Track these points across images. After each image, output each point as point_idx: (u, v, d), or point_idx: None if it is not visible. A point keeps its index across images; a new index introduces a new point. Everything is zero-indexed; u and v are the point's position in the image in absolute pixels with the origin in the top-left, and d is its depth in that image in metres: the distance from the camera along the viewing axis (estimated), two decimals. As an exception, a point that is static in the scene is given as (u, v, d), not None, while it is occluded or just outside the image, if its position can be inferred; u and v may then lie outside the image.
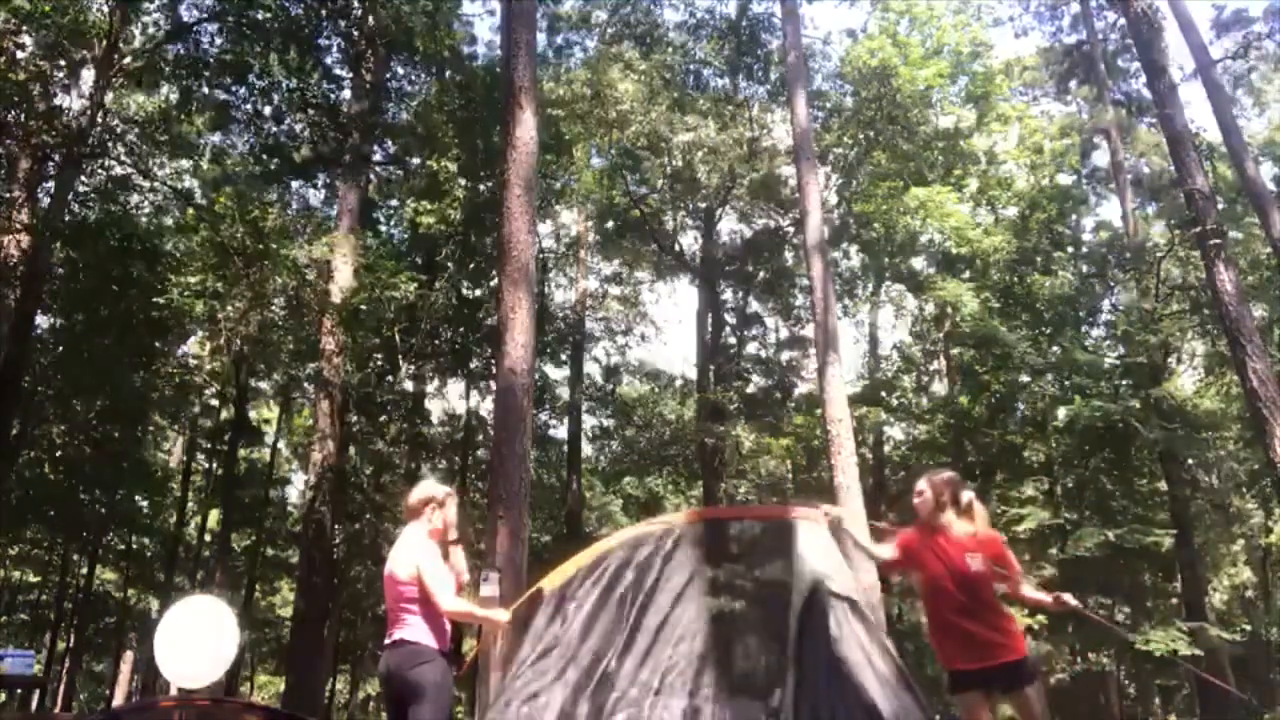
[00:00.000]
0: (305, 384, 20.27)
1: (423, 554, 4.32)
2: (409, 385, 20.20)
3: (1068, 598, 4.36)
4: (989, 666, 4.11)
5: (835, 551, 4.86)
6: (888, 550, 4.58)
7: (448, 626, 4.36)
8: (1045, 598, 4.42)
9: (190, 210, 15.30)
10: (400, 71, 17.76)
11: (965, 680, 4.18)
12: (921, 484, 4.49)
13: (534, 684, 4.38)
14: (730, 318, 23.64)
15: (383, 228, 20.80)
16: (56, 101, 13.95)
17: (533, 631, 4.60)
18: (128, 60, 14.10)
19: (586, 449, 25.34)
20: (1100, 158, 23.21)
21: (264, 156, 16.27)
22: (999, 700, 4.39)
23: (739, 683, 4.38)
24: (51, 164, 13.78)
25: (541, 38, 19.98)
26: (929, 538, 4.40)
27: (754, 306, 23.86)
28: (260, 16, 13.95)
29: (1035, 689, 4.24)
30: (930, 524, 4.42)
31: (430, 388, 22.04)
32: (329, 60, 16.01)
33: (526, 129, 9.84)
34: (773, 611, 4.60)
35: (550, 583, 4.72)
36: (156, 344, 17.44)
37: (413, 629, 4.24)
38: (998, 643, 4.13)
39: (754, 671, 4.46)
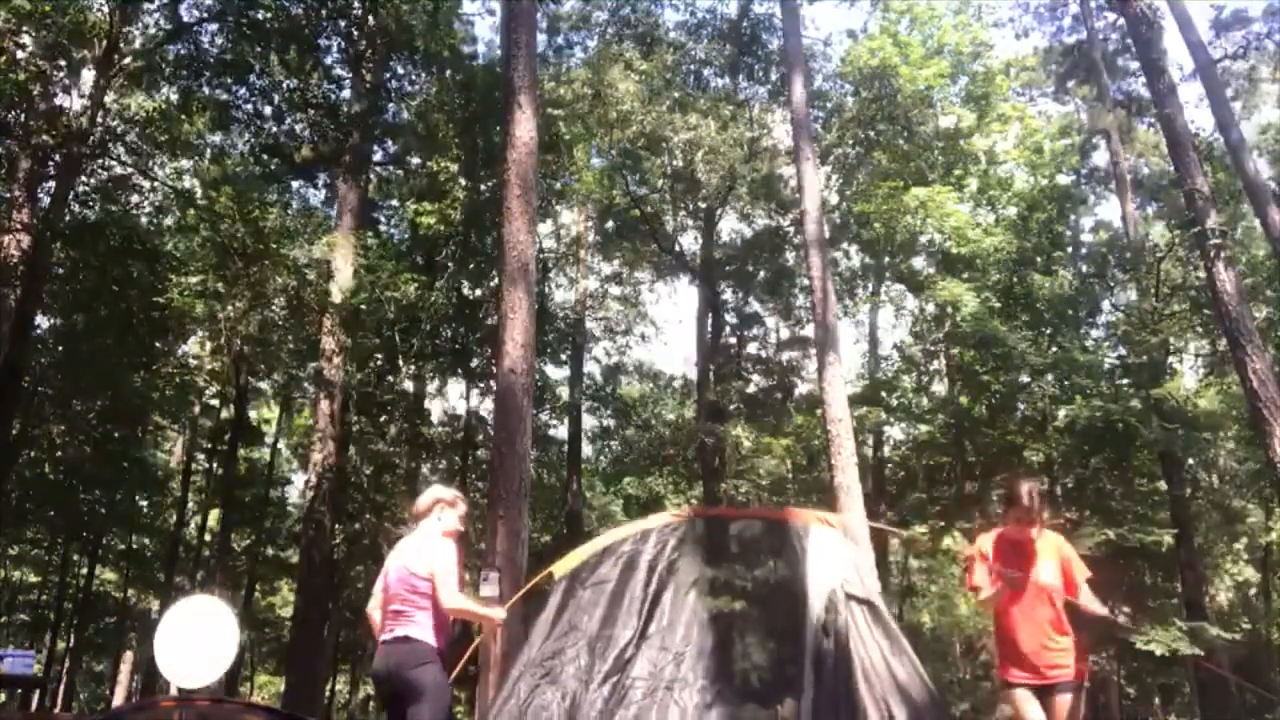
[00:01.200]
0: (305, 384, 20.26)
1: (441, 550, 4.31)
2: (409, 385, 20.21)
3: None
4: (1035, 684, 4.12)
5: (849, 555, 4.85)
6: (982, 576, 4.36)
7: (449, 626, 4.35)
8: (1100, 610, 4.21)
9: (191, 210, 15.29)
10: (400, 71, 17.76)
11: (1013, 683, 4.20)
12: (1025, 496, 4.18)
13: (548, 662, 4.38)
14: (730, 318, 23.63)
15: (383, 228, 20.81)
16: (56, 101, 13.94)
17: (546, 612, 4.61)
18: (128, 60, 14.10)
19: (586, 449, 25.36)
20: (1100, 158, 23.21)
21: (264, 156, 16.27)
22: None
23: (747, 686, 4.38)
24: (51, 164, 13.77)
25: (541, 38, 19.97)
26: (1009, 548, 4.28)
27: (754, 306, 23.84)
28: (260, 16, 13.95)
29: (1073, 699, 4.15)
30: (1014, 535, 4.27)
31: (430, 388, 22.06)
32: (329, 60, 16.02)
33: (526, 129, 9.84)
34: (783, 616, 4.59)
35: (561, 569, 4.74)
36: (156, 344, 17.43)
37: (419, 626, 4.19)
38: (1050, 664, 4.11)
39: (763, 676, 4.46)
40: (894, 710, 4.20)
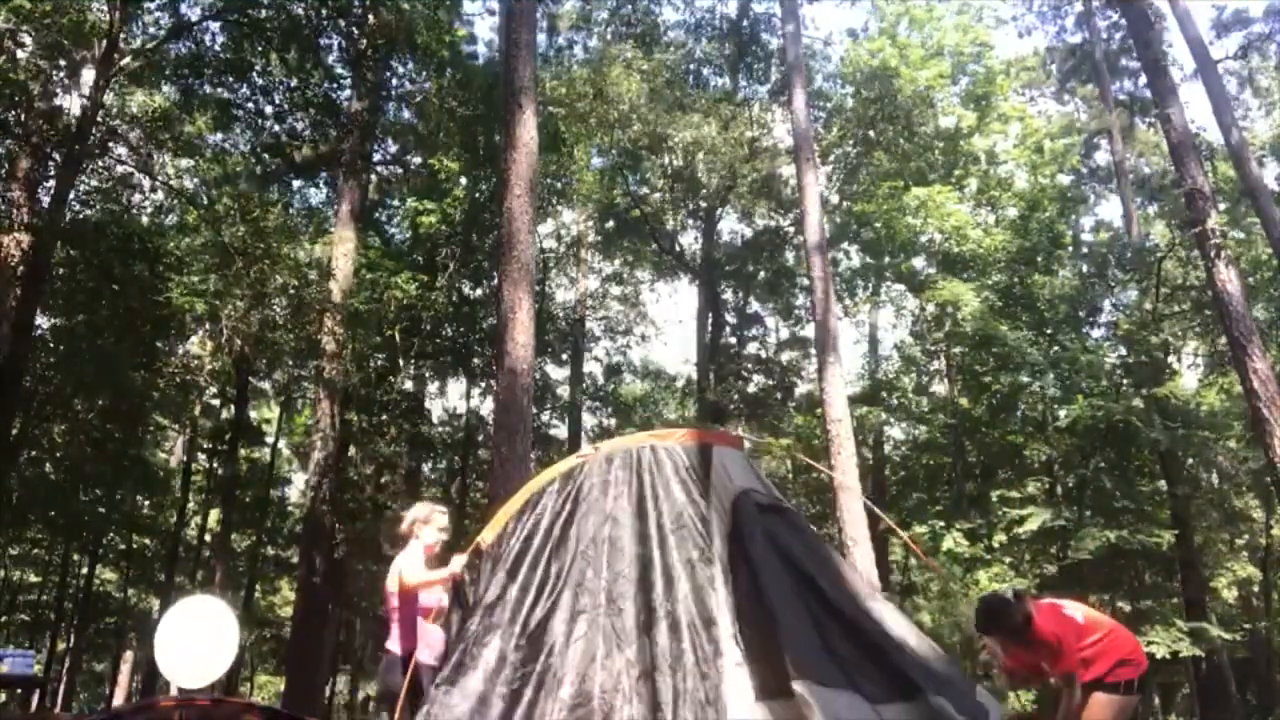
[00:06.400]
0: (305, 384, 20.24)
1: (402, 557, 4.70)
2: (409, 385, 20.20)
3: None
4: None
5: (754, 469, 4.97)
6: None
7: (418, 629, 4.65)
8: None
9: (192, 210, 15.27)
10: (401, 71, 17.73)
11: None
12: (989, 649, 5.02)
13: (478, 629, 4.36)
14: (730, 318, 23.64)
15: (383, 227, 20.79)
16: (56, 101, 13.93)
17: (477, 586, 4.60)
18: (128, 60, 14.08)
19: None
20: (1102, 157, 23.21)
21: (265, 156, 16.25)
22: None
23: (683, 606, 4.32)
24: (51, 164, 13.75)
25: (542, 37, 19.98)
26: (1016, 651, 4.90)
27: (754, 306, 23.85)
28: (260, 16, 13.95)
29: (1097, 696, 4.54)
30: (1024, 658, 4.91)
31: (430, 388, 22.05)
32: (329, 60, 15.99)
33: (526, 129, 9.84)
34: (696, 533, 4.58)
35: (485, 538, 4.74)
36: (157, 344, 17.40)
37: (391, 639, 4.70)
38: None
39: (688, 592, 4.39)
40: (780, 615, 4.17)
